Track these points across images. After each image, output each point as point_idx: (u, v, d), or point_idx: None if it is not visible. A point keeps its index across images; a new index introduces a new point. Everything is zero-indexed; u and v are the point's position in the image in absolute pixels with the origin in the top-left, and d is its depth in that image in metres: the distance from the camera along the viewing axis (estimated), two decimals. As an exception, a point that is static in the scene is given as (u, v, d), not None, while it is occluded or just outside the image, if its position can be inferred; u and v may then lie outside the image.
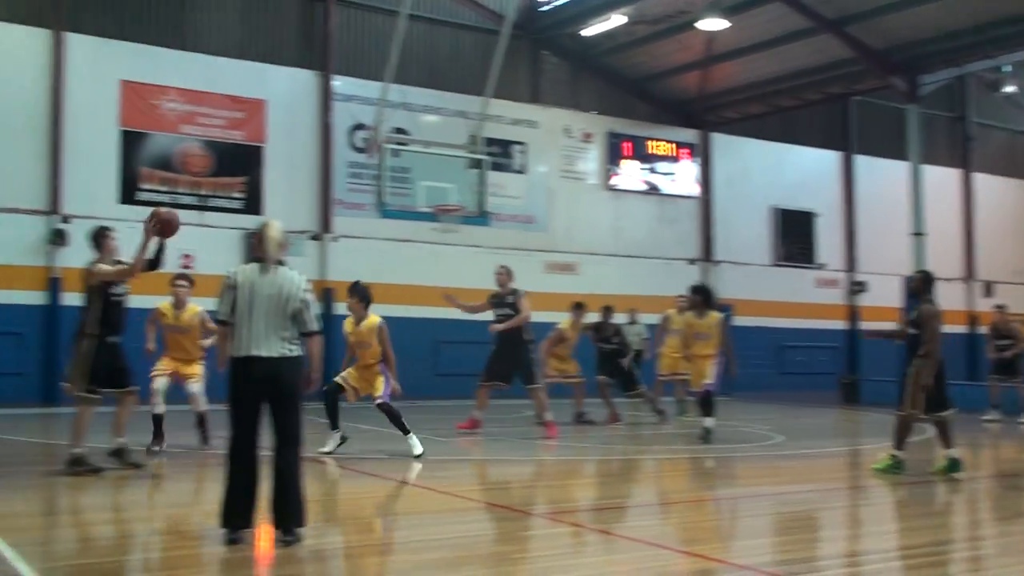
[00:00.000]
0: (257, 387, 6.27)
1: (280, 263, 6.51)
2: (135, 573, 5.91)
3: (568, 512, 8.07)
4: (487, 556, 6.34)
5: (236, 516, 6.16)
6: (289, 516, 6.23)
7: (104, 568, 5.81)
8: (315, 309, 6.54)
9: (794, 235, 26.74)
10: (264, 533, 6.37)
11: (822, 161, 27.53)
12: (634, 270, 23.82)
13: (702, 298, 13.27)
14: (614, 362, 15.84)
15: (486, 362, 13.54)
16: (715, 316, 13.04)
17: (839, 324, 27.32)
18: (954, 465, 9.69)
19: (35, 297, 17.97)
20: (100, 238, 9.29)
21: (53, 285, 18.02)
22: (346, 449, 10.66)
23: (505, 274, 13.72)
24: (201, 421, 11.11)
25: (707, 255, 25.43)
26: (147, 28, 19.32)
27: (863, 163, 27.88)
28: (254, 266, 6.49)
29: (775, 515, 8.22)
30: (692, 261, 25.21)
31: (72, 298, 17.97)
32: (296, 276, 6.52)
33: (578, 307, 15.49)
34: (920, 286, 10.15)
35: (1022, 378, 16.82)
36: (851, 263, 27.59)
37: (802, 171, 27.07)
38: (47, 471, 9.43)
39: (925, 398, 9.62)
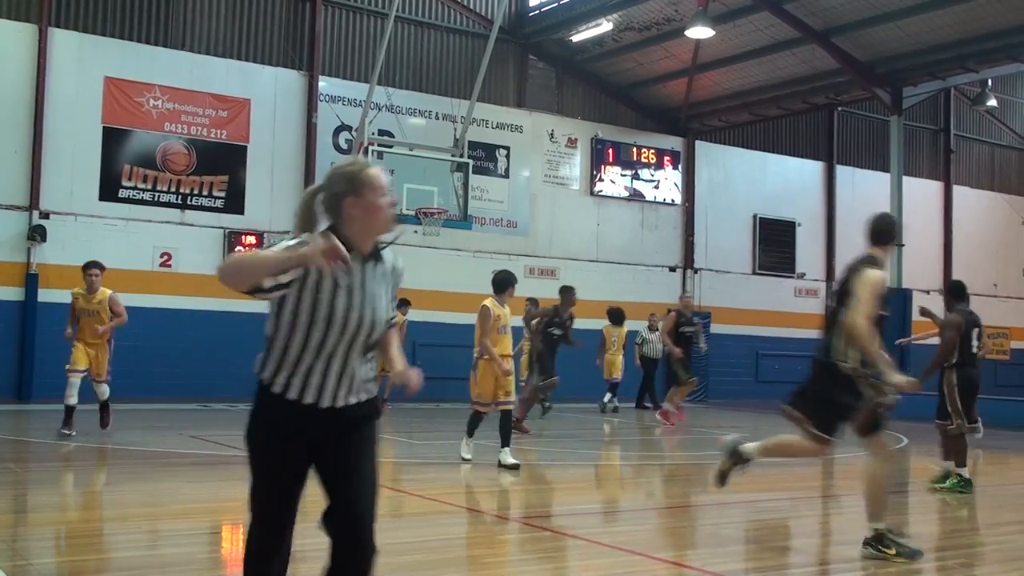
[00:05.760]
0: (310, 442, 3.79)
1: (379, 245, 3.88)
2: (103, 574, 5.90)
3: (541, 517, 8.09)
4: (461, 560, 6.36)
5: None
6: None
7: (73, 567, 5.79)
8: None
9: (775, 244, 26.84)
10: None
11: (804, 171, 27.67)
12: (615, 276, 23.87)
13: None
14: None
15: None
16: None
17: (817, 333, 27.38)
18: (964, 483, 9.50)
19: (11, 293, 17.87)
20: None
21: (30, 281, 17.92)
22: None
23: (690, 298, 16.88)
24: (105, 407, 12.27)
25: (688, 263, 25.52)
26: (132, 25, 19.26)
27: (845, 174, 28.04)
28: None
29: (748, 522, 8.26)
30: (673, 268, 25.29)
31: (49, 295, 18.00)
32: (394, 259, 3.93)
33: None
34: (947, 297, 10.33)
35: None
36: (830, 273, 27.72)
37: (784, 180, 27.20)
38: (17, 468, 9.38)
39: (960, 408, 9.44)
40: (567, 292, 16.32)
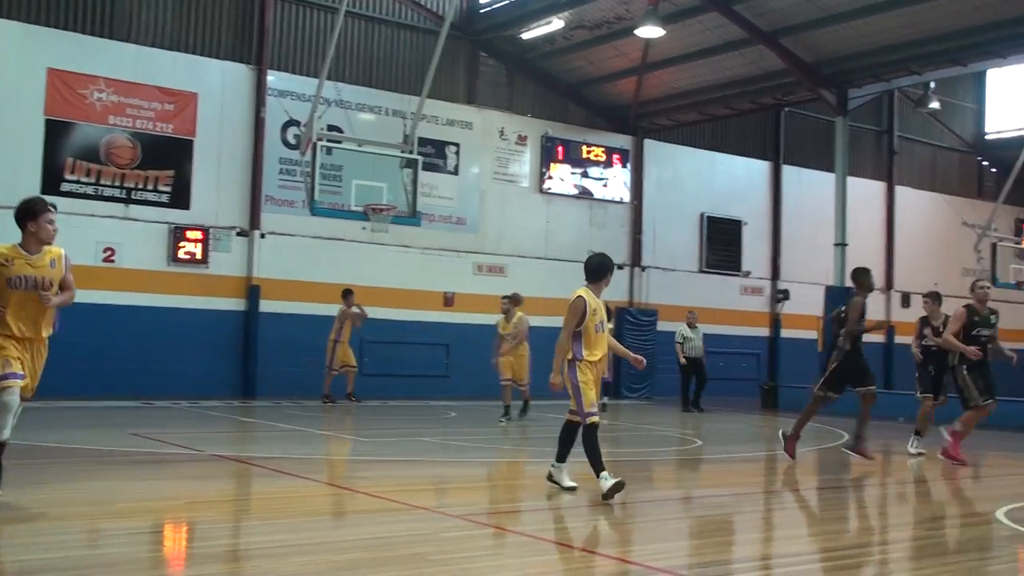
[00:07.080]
0: None
1: None
2: (45, 574, 5.82)
3: (486, 514, 8.11)
4: (405, 557, 6.36)
5: None
6: None
7: (14, 568, 5.71)
8: None
9: (722, 242, 27.12)
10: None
11: (751, 170, 27.97)
12: (563, 273, 23.89)
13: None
14: None
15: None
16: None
17: (762, 331, 27.78)
18: None
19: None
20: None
21: (-29, 275, 17.58)
22: (268, 450, 10.53)
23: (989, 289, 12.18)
24: None
25: (636, 260, 25.68)
26: (75, 15, 18.97)
27: (791, 173, 28.40)
28: None
29: (691, 518, 8.34)
30: (620, 266, 25.41)
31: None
32: None
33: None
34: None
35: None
36: (775, 271, 28.06)
37: (731, 180, 27.48)
38: None
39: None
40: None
